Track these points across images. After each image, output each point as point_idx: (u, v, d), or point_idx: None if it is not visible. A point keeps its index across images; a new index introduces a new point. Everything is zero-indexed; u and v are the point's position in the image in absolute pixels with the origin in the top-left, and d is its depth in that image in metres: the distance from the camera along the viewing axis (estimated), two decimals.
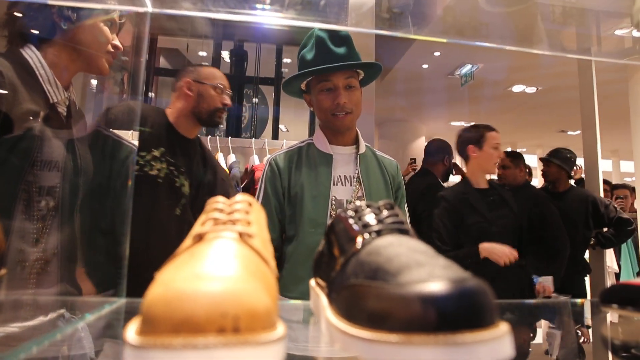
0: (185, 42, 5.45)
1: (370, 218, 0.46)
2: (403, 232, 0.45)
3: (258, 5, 1.16)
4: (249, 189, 2.50)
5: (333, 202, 1.49)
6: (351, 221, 0.46)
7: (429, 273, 0.34)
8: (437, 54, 6.09)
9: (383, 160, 1.65)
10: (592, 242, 3.66)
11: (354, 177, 1.54)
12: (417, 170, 3.57)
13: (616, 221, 3.48)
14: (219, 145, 2.71)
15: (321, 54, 1.46)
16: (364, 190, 1.52)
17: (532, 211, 2.97)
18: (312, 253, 1.60)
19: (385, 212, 0.46)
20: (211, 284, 0.28)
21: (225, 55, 4.94)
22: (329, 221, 1.46)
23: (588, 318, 0.95)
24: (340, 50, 1.46)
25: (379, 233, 0.44)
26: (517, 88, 7.47)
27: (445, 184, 3.40)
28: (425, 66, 6.54)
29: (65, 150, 1.15)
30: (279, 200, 1.51)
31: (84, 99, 1.29)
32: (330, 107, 1.49)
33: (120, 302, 0.80)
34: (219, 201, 0.43)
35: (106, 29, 1.19)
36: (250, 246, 0.38)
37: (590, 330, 0.83)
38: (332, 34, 1.49)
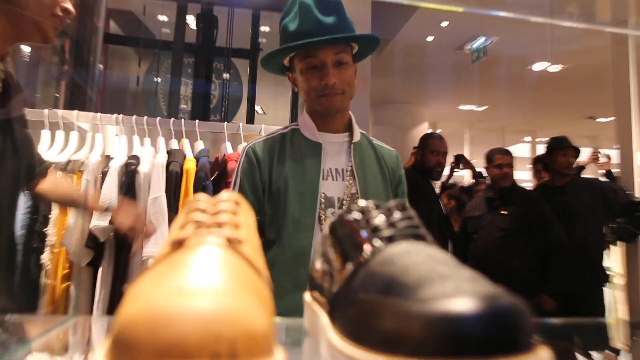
0: (142, 3, 5.39)
1: (380, 221, 0.46)
2: (419, 237, 0.45)
3: None
4: (221, 183, 2.49)
5: (322, 199, 1.50)
6: (357, 225, 0.46)
7: (455, 287, 0.35)
8: (444, 24, 6.11)
9: (381, 151, 1.65)
10: (608, 238, 3.74)
11: (346, 171, 1.55)
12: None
13: (628, 207, 3.55)
14: (184, 129, 2.69)
15: (305, 24, 1.44)
16: (359, 185, 1.53)
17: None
18: (297, 260, 1.60)
19: (397, 214, 0.47)
20: (200, 301, 0.28)
21: (191, 21, 4.90)
22: (317, 222, 1.47)
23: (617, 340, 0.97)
24: (329, 19, 1.44)
25: (390, 239, 0.44)
26: (538, 66, 7.53)
27: (432, 180, 3.59)
28: (429, 38, 6.56)
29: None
30: (257, 198, 1.51)
31: (15, 70, 1.27)
32: (316, 87, 1.47)
33: (72, 320, 0.79)
34: (200, 199, 0.43)
35: None
36: (240, 254, 0.38)
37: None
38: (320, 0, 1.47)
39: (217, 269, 0.34)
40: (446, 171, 4.29)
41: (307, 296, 0.60)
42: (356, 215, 0.48)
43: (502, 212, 3.43)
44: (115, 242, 2.35)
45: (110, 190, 2.33)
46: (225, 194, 0.45)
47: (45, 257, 2.34)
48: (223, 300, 0.29)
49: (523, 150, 12.18)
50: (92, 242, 2.32)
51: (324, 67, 1.46)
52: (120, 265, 2.34)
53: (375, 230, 0.45)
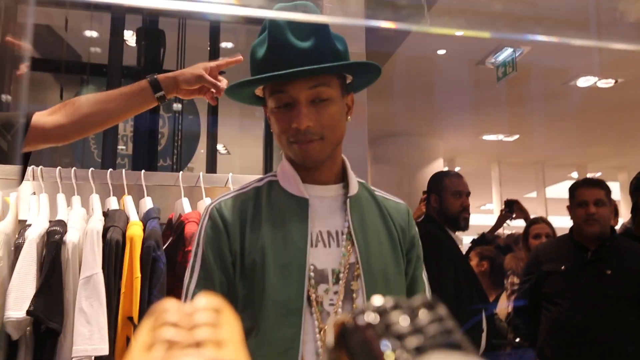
0: (63, 14, 5.43)
1: (403, 325, 0.46)
2: (454, 346, 0.46)
3: None
4: (177, 253, 2.47)
5: (311, 273, 1.50)
6: (374, 331, 0.47)
7: None
8: (460, 33, 6.21)
9: (386, 205, 1.67)
10: None
11: (342, 233, 1.56)
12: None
13: None
14: (125, 182, 2.68)
15: (274, 50, 1.48)
16: (359, 252, 1.54)
17: None
18: (281, 356, 1.60)
19: (424, 316, 0.47)
20: None
21: (130, 36, 4.95)
22: (306, 304, 1.47)
23: None
24: (305, 44, 1.47)
25: (419, 350, 0.44)
26: (583, 81, 7.63)
27: (456, 233, 3.52)
28: (441, 52, 6.65)
29: None
30: (226, 274, 1.51)
31: None
32: (287, 131, 1.49)
33: None
34: (168, 309, 0.43)
35: None
36: None
37: None
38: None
39: None
40: (479, 220, 4.22)
41: None
42: (371, 317, 0.48)
43: (607, 271, 3.20)
44: (34, 339, 2.31)
45: (26, 269, 2.31)
46: (202, 300, 0.45)
47: None
48: None
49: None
50: (1, 340, 2.28)
51: (296, 105, 1.47)
52: None
53: (398, 339, 0.46)
